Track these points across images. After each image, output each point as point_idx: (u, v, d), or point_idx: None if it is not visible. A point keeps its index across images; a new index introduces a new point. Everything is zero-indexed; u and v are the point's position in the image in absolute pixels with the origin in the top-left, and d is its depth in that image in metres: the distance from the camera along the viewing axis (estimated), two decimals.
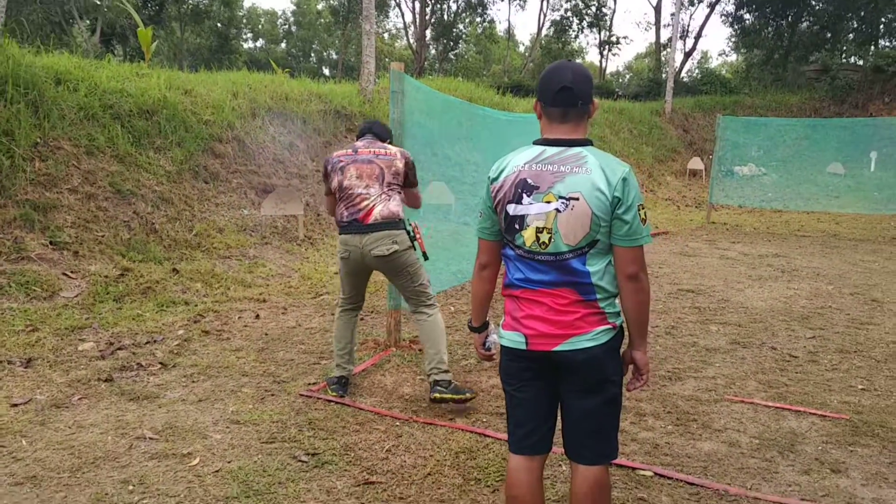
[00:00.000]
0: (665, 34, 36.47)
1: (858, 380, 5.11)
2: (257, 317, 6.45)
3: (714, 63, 54.82)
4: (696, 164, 21.65)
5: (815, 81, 28.21)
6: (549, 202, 2.30)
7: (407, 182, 4.59)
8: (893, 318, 6.91)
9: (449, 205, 8.59)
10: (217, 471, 3.53)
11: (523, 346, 2.42)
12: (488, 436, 4.01)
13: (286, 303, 7.00)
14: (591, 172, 2.27)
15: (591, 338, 2.34)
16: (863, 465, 3.76)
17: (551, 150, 2.36)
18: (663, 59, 35.02)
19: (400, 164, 4.49)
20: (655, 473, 3.61)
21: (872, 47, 32.34)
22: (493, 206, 2.46)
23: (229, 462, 3.63)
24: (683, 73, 36.10)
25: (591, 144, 2.38)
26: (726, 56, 51.20)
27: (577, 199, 2.26)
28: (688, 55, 37.64)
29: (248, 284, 7.49)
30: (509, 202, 2.38)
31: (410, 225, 4.56)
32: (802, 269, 9.57)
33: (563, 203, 2.28)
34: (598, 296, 2.34)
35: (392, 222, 4.37)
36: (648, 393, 4.76)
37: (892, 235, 13.56)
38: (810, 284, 8.45)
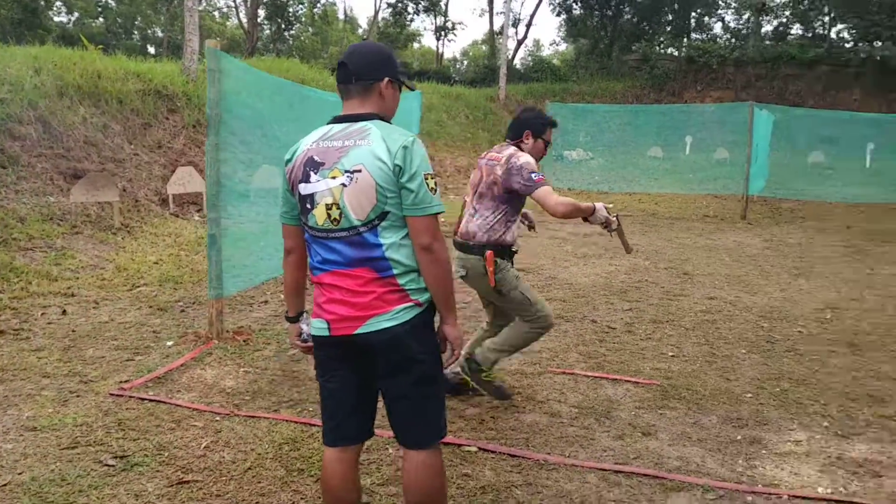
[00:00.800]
0: (498, 21, 37.46)
1: (669, 347, 5.45)
2: (64, 312, 5.96)
3: (546, 52, 56.93)
4: None
5: (636, 70, 29.98)
6: (334, 177, 2.28)
7: (511, 197, 3.89)
8: (702, 289, 7.44)
9: (279, 188, 8.33)
10: (5, 485, 3.20)
11: (326, 333, 2.37)
12: (314, 425, 3.90)
13: (98, 296, 6.52)
14: (373, 143, 2.26)
15: (390, 317, 2.29)
16: (670, 427, 4.00)
17: (338, 127, 2.35)
18: (497, 46, 35.94)
19: (499, 171, 3.86)
20: (480, 448, 3.66)
21: (686, 39, 34.82)
22: (290, 189, 2.42)
23: (20, 473, 3.30)
24: (517, 61, 37.26)
25: (379, 118, 2.36)
26: (557, 45, 53.33)
27: (360, 170, 2.24)
28: (520, 43, 38.88)
29: (54, 278, 6.91)
30: (300, 182, 2.35)
31: (486, 254, 3.89)
32: (621, 247, 10.10)
33: (347, 176, 2.26)
34: (395, 271, 2.29)
35: (465, 245, 3.96)
36: None
37: (703, 213, 14.64)
38: (629, 261, 8.94)
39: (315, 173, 2.31)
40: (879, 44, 27.86)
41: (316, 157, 2.32)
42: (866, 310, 6.70)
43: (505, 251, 3.96)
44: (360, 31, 55.51)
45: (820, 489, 3.32)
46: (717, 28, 37.53)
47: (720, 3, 35.78)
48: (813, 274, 8.31)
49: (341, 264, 2.32)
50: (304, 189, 2.34)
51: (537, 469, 3.46)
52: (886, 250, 10.28)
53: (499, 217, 3.91)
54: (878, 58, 26.73)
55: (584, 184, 17.92)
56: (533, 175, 3.76)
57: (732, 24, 36.56)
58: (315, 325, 2.42)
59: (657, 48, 33.42)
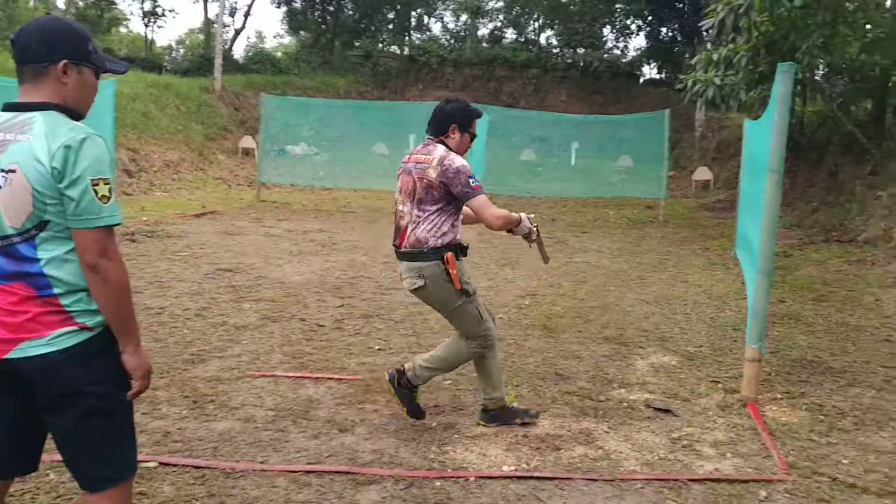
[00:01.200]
0: (214, 10, 36.16)
1: (377, 341, 5.55)
2: None
3: (270, 44, 56.03)
4: (248, 142, 21.83)
5: (359, 66, 30.52)
6: None
7: (453, 196, 3.71)
8: None
9: None
10: None
11: None
12: None
13: None
14: (34, 140, 1.99)
15: (46, 342, 2.04)
16: (369, 421, 4.04)
17: (4, 116, 2.07)
18: (213, 34, 34.68)
19: (433, 175, 3.68)
20: (160, 463, 3.43)
21: (407, 38, 36.17)
22: None
23: None
24: (238, 52, 36.26)
25: (54, 109, 2.08)
26: (281, 38, 52.64)
27: (15, 171, 1.98)
28: (238, 32, 37.84)
29: None
30: None
31: (446, 256, 3.72)
32: (342, 242, 10.21)
33: (2, 177, 1.99)
34: (57, 290, 2.04)
35: (419, 252, 3.74)
36: (167, 380, 4.55)
37: None
38: (347, 256, 9.04)
39: None
40: (582, 50, 31.04)
41: None
42: (561, 295, 7.37)
43: (460, 249, 3.83)
44: (57, 11, 50.68)
45: (505, 467, 3.54)
46: (437, 29, 39.40)
47: (440, 3, 37.61)
48: (518, 263, 8.98)
49: None
50: None
51: (223, 478, 3.32)
52: (583, 240, 11.45)
53: (445, 218, 3.75)
54: (581, 63, 29.77)
55: (307, 179, 17.90)
56: (471, 181, 3.65)
57: (452, 26, 38.56)
58: None
59: (380, 45, 34.35)
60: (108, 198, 2.03)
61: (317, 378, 4.69)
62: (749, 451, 3.79)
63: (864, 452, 3.84)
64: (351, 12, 35.82)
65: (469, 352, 3.95)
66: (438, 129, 3.92)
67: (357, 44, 33.05)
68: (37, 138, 1.98)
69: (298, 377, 4.71)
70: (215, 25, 31.26)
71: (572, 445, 3.81)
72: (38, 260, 2.02)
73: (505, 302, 6.93)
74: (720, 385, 4.76)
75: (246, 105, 24.97)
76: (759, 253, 4.44)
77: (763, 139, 7.48)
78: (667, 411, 4.28)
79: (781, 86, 4.28)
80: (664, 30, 31.54)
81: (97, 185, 2.00)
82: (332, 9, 35.17)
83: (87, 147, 2.00)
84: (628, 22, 33.73)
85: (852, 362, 5.39)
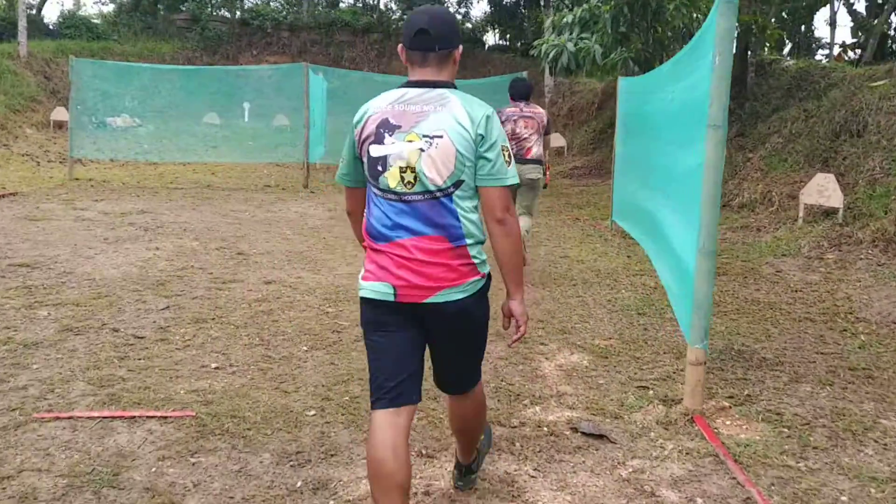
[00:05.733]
0: None
1: (213, 356, 4.32)
2: None
3: (92, 12, 50.98)
4: (61, 114, 19.26)
5: (186, 31, 28.14)
6: (411, 141, 2.24)
7: (547, 132, 6.65)
8: (258, 271, 6.45)
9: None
10: None
11: (392, 298, 2.28)
12: None
13: None
14: (455, 111, 2.24)
15: (462, 289, 2.27)
16: (205, 483, 2.87)
17: (414, 91, 2.30)
18: None
19: (544, 120, 6.57)
20: None
21: (239, 1, 33.78)
22: (357, 150, 2.36)
23: None
24: (50, 16, 32.44)
25: (455, 88, 2.33)
26: (105, 5, 47.60)
27: (441, 136, 2.22)
28: None
29: None
30: (372, 143, 2.30)
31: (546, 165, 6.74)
32: (169, 224, 8.69)
33: (426, 141, 2.22)
34: (468, 241, 2.28)
35: (539, 160, 6.52)
36: None
37: (264, 184, 13.80)
38: (174, 242, 7.60)
39: (390, 135, 2.26)
40: None
41: (391, 120, 2.27)
42: None
43: None
44: None
45: None
46: None
47: None
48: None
49: (412, 231, 2.25)
50: (375, 150, 2.28)
51: None
52: None
53: (543, 144, 6.68)
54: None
55: (131, 154, 15.93)
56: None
57: None
58: (375, 288, 2.31)
59: (209, 9, 31.84)
60: (509, 162, 2.30)
61: (132, 417, 3.44)
62: (720, 490, 2.88)
63: (860, 482, 2.98)
64: None
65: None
66: (527, 97, 6.65)
67: (183, 7, 30.41)
68: (458, 110, 2.24)
69: (106, 417, 3.43)
70: None
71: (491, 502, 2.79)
72: (455, 212, 2.26)
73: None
74: (650, 392, 3.89)
75: (58, 73, 22.18)
76: (701, 227, 3.55)
77: (641, 97, 6.81)
78: (600, 436, 3.34)
79: (722, 18, 3.37)
80: None
81: (504, 150, 2.29)
82: None
83: (495, 119, 2.30)
84: None
85: (783, 350, 4.66)
